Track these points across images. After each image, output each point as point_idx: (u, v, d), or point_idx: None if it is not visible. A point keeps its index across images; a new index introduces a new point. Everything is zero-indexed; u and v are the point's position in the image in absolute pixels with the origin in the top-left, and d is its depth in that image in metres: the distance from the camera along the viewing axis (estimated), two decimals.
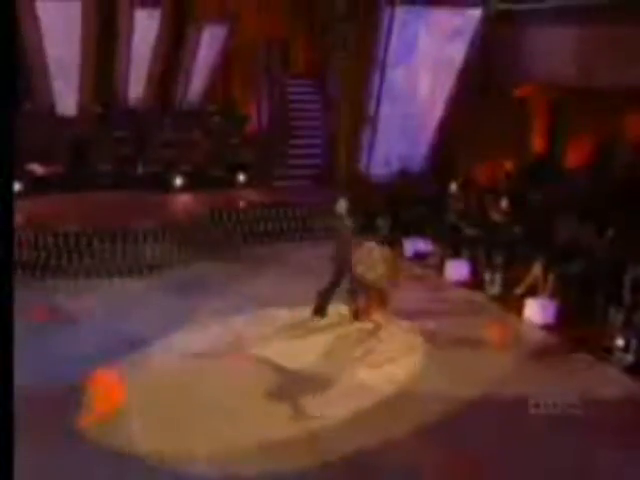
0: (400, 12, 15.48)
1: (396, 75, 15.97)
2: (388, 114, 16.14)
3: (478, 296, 11.97)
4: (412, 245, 14.03)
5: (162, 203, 15.13)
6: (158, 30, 19.98)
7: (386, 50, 15.74)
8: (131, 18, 19.60)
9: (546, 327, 10.57)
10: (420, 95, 16.19)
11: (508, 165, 15.68)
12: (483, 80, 15.91)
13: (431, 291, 12.25)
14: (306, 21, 19.37)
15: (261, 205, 14.71)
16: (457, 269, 12.78)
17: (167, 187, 16.08)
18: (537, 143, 15.80)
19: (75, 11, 18.18)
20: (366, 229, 14.09)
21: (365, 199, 15.16)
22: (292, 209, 14.42)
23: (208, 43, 20.82)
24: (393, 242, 14.27)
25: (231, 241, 13.97)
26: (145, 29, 19.75)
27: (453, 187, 14.62)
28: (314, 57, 18.96)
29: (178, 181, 16.27)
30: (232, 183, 16.42)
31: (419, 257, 13.74)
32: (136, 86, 20.02)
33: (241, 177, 16.61)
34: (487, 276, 12.10)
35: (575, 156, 15.02)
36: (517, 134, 15.75)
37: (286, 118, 17.84)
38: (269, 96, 19.04)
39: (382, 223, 14.87)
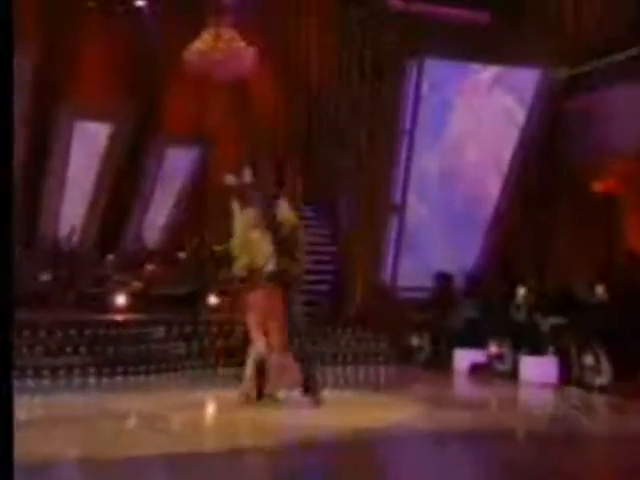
0: (429, 73, 15.01)
1: (427, 158, 15.26)
2: (418, 210, 15.26)
3: (577, 391, 11.27)
4: (465, 357, 13.31)
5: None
6: (106, 148, 19.33)
7: (413, 125, 15.07)
8: (70, 132, 19.02)
9: None
10: (462, 181, 15.44)
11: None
12: (548, 160, 15.21)
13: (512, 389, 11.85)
14: (303, 139, 19.00)
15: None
16: (540, 367, 11.98)
17: (106, 308, 15.10)
18: (632, 240, 14.71)
19: None
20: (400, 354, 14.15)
21: (391, 318, 14.51)
22: None
23: (174, 167, 20.10)
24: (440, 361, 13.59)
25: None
26: (89, 146, 19.13)
27: (521, 291, 13.55)
28: (314, 178, 18.29)
29: (121, 300, 15.24)
30: (200, 305, 15.49)
31: (476, 370, 13.03)
32: (72, 219, 18.94)
33: (212, 299, 15.54)
34: (588, 362, 11.27)
35: None
36: (597, 228, 14.83)
37: None
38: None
39: (418, 341, 13.89)
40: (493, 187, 15.46)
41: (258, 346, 9.26)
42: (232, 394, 9.95)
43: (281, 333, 9.24)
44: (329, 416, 8.82)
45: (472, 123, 15.26)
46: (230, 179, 10.29)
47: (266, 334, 9.25)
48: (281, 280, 9.32)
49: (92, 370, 12.09)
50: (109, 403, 9.95)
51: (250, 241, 9.44)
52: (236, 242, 9.60)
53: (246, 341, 10.32)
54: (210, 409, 10.49)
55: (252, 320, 9.33)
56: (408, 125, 15.04)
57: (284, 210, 9.76)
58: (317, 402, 9.20)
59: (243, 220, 9.61)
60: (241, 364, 12.62)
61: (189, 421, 8.89)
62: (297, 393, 9.43)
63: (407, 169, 15.10)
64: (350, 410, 9.49)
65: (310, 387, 9.30)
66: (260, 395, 9.36)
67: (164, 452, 7.11)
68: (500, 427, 8.69)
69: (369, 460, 7.28)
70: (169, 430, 8.50)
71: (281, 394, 9.46)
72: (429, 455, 7.54)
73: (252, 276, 9.33)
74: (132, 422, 9.12)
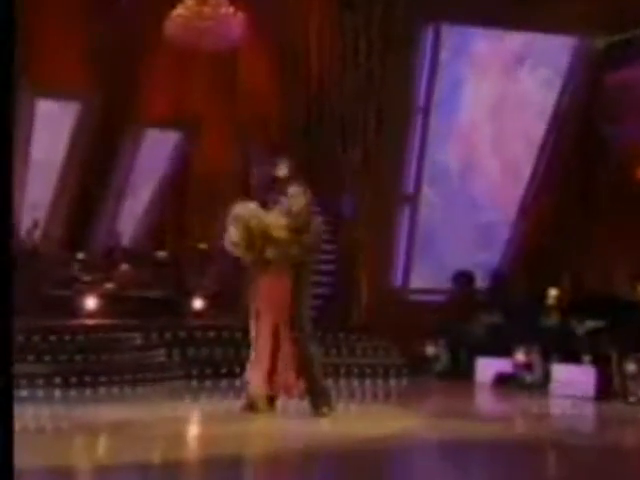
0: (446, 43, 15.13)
1: (443, 142, 15.45)
2: (433, 201, 15.48)
3: (618, 404, 11.34)
4: (489, 367, 13.48)
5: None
6: (74, 131, 19.35)
7: (428, 104, 15.14)
8: (32, 111, 19.03)
9: None
10: (484, 168, 15.62)
11: None
12: (584, 142, 15.27)
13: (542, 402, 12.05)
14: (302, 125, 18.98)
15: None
16: (575, 377, 12.12)
17: (74, 313, 15.20)
18: None
19: None
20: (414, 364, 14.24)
21: (402, 324, 14.58)
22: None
23: (152, 154, 20.14)
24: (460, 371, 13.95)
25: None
26: (55, 127, 19.14)
27: (553, 292, 14.01)
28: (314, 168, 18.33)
29: (90, 303, 15.34)
30: (182, 309, 15.74)
31: (501, 381, 13.18)
32: (35, 211, 18.98)
33: (197, 303, 15.74)
34: (631, 371, 11.40)
35: None
36: None
37: None
38: None
39: (434, 350, 14.39)
40: (521, 174, 15.61)
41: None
42: (219, 406, 9.98)
43: (289, 329, 9.29)
44: (329, 428, 8.90)
45: (496, 100, 15.42)
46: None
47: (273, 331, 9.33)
48: (293, 269, 9.43)
49: (58, 381, 12.12)
50: (77, 415, 10.04)
51: (255, 236, 9.48)
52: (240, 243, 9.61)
53: (240, 347, 10.38)
54: (194, 421, 10.55)
55: (256, 314, 9.41)
56: (422, 105, 15.24)
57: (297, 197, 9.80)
58: (321, 413, 9.18)
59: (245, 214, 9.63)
60: (230, 375, 12.98)
61: (168, 433, 8.91)
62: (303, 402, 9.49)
63: (421, 155, 15.28)
64: (354, 423, 9.66)
65: (315, 395, 9.30)
66: (272, 403, 9.46)
67: (135, 463, 7.17)
68: (521, 439, 8.90)
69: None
70: (143, 442, 8.48)
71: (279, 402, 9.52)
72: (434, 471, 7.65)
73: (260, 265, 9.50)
74: (102, 434, 9.10)
